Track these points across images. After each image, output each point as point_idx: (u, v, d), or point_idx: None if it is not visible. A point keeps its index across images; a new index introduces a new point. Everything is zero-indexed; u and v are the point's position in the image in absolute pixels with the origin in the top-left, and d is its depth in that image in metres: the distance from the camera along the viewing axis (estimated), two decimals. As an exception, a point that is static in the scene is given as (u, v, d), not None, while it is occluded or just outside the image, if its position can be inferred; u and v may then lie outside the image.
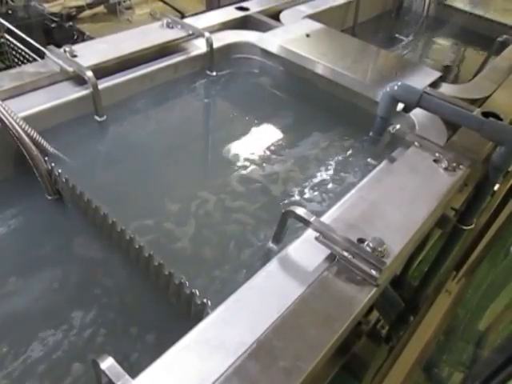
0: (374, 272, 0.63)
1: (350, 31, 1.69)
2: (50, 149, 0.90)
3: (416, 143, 0.91)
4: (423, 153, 0.89)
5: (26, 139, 0.84)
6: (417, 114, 1.06)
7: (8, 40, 1.83)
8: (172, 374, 0.51)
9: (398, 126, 0.93)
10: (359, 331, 1.28)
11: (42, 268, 0.82)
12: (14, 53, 1.84)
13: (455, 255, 1.39)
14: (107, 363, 0.48)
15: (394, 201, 0.76)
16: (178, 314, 0.72)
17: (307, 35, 1.28)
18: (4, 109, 0.83)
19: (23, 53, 1.76)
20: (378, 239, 0.66)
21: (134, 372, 0.49)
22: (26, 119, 0.87)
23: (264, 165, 1.03)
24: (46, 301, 0.77)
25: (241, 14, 1.41)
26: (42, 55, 1.09)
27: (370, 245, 0.65)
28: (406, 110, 1.05)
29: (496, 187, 1.41)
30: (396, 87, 0.98)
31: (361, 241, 0.66)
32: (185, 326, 0.56)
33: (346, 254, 0.64)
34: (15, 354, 0.69)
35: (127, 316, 0.75)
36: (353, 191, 0.82)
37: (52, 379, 0.67)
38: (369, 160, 1.04)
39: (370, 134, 1.07)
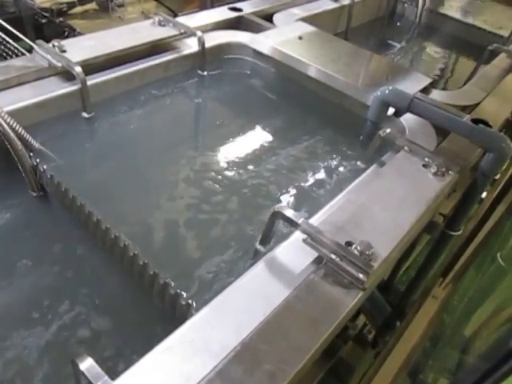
0: (361, 275, 0.62)
1: (343, 36, 1.70)
2: (36, 144, 0.89)
3: (406, 148, 0.91)
4: (413, 157, 0.89)
5: (11, 134, 0.83)
6: (407, 118, 1.06)
7: (-4, 34, 1.80)
8: (153, 375, 0.49)
9: (388, 130, 0.93)
10: (346, 336, 1.28)
11: (24, 264, 0.80)
12: (2, 47, 1.80)
13: (442, 261, 1.39)
14: (86, 364, 0.47)
15: (383, 205, 0.76)
16: (161, 314, 0.71)
17: (300, 38, 1.27)
18: (-11, 102, 0.82)
19: (12, 47, 1.73)
20: (366, 243, 0.65)
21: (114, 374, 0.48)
22: (12, 114, 0.85)
23: (253, 166, 1.02)
24: (26, 297, 0.75)
25: (234, 14, 1.40)
26: (31, 50, 1.07)
27: (358, 248, 0.64)
28: (397, 114, 1.06)
29: (483, 195, 1.43)
30: (387, 91, 0.98)
31: (349, 244, 0.65)
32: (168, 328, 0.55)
33: (333, 256, 0.63)
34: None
35: (108, 315, 0.74)
36: (341, 194, 0.81)
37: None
38: (358, 163, 1.04)
39: (360, 137, 1.07)
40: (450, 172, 0.86)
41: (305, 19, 1.43)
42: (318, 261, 0.65)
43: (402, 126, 1.05)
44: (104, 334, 0.71)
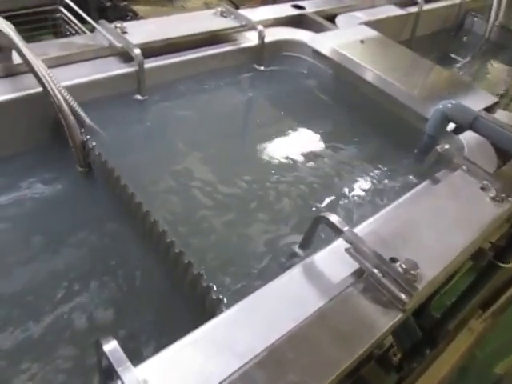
0: (403, 296, 0.58)
1: (406, 44, 1.64)
2: (88, 121, 0.90)
3: (464, 167, 0.85)
4: (470, 178, 0.83)
5: (66, 108, 0.84)
6: (466, 136, 1.00)
7: (63, 13, 1.86)
8: (175, 368, 0.48)
9: (446, 146, 0.88)
10: (370, 354, 1.23)
11: (62, 238, 0.81)
12: (67, 26, 1.86)
13: (483, 293, 1.31)
14: (110, 346, 0.46)
15: (433, 224, 0.71)
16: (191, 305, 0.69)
17: (362, 41, 1.24)
18: (49, 75, 0.83)
19: (76, 27, 1.79)
20: (412, 262, 0.61)
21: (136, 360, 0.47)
22: (69, 89, 0.87)
23: (297, 169, 0.99)
24: (62, 268, 0.76)
25: (296, 12, 1.38)
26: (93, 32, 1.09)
27: (403, 266, 0.60)
28: (457, 131, 1.00)
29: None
30: (449, 105, 0.93)
31: (393, 260, 0.61)
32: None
33: (375, 271, 0.60)
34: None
35: (136, 298, 0.73)
36: (390, 207, 0.77)
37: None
38: (410, 177, 0.99)
39: (415, 150, 1.02)
40: (509, 199, 0.80)
41: (368, 23, 1.39)
42: (358, 273, 0.61)
43: (460, 144, 0.99)
44: (130, 318, 0.71)
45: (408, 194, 0.81)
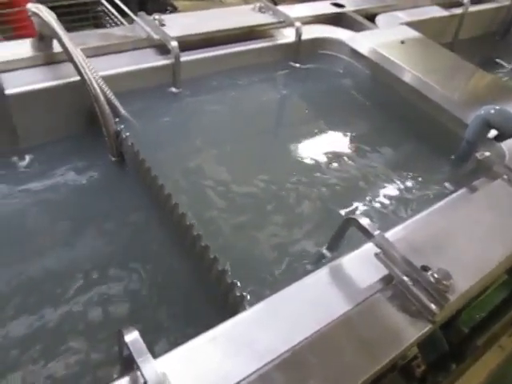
0: (433, 306, 0.56)
1: (448, 47, 1.58)
2: (122, 111, 0.91)
3: (505, 176, 0.81)
4: (511, 188, 0.79)
5: (102, 97, 0.85)
6: (508, 144, 0.95)
7: (104, 6, 1.89)
8: (194, 363, 0.47)
9: (486, 154, 0.84)
10: (394, 364, 1.19)
11: (91, 225, 0.82)
12: (107, 19, 1.90)
13: (517, 309, 1.25)
14: (131, 336, 0.46)
15: (469, 234, 0.68)
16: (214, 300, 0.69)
17: (402, 42, 1.20)
18: (86, 65, 0.85)
19: (116, 19, 1.82)
20: (445, 271, 0.58)
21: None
22: (105, 79, 0.88)
23: (325, 171, 0.97)
24: (87, 255, 0.77)
25: (335, 10, 1.36)
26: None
27: (435, 275, 0.57)
28: (499, 138, 0.95)
29: None
30: (492, 111, 0.88)
31: (424, 268, 0.59)
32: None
33: (405, 278, 0.57)
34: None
35: (161, 289, 0.74)
36: (423, 214, 0.74)
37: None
38: (446, 184, 0.95)
39: (452, 156, 0.98)
40: (553, 212, 0.75)
41: (409, 24, 1.35)
42: (387, 280, 0.59)
43: (501, 152, 0.94)
44: (151, 309, 0.71)
45: (443, 202, 0.77)
